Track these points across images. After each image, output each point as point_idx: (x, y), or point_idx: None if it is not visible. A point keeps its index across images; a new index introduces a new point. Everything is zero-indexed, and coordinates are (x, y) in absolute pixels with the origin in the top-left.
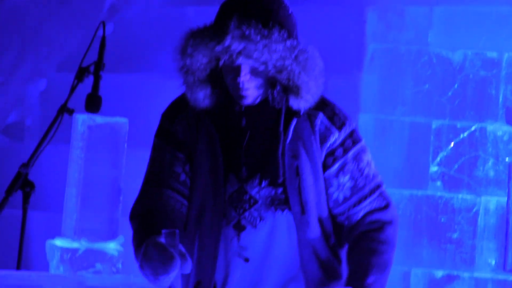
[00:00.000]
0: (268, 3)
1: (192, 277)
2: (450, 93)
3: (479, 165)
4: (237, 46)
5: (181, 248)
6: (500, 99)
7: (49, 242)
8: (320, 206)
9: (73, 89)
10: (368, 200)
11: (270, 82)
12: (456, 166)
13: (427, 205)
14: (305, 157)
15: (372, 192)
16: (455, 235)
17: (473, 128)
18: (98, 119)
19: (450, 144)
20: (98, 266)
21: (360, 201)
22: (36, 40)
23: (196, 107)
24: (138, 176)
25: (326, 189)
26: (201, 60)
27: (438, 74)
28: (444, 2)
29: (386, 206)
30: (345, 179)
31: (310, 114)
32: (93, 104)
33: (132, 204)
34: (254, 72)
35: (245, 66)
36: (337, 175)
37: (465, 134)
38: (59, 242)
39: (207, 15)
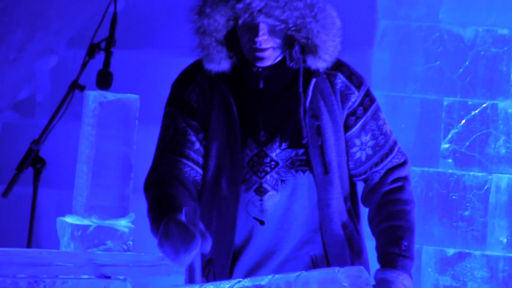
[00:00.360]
0: None
1: (212, 246)
2: (461, 70)
3: (491, 142)
4: (258, 3)
5: (201, 226)
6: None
7: (60, 219)
8: (341, 166)
9: (84, 65)
10: (389, 158)
11: (287, 43)
12: (467, 143)
13: (438, 183)
14: (326, 117)
15: (391, 149)
16: (466, 213)
17: (484, 105)
18: (109, 95)
19: (461, 121)
20: (109, 243)
21: (382, 159)
22: (47, 17)
23: (211, 71)
24: (149, 153)
25: (348, 149)
26: (219, 20)
27: (449, 51)
28: None
29: (404, 163)
30: (367, 138)
31: (329, 74)
32: (104, 80)
33: (146, 174)
34: (272, 31)
35: (263, 25)
36: (359, 134)
37: (477, 111)
38: (69, 219)
39: None
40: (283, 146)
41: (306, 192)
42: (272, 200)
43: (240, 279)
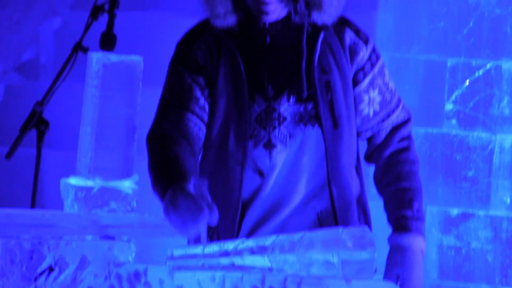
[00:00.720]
0: None
1: (219, 201)
2: (465, 31)
3: (494, 103)
4: None
5: (209, 199)
6: None
7: (64, 180)
8: (350, 121)
9: (87, 27)
10: (395, 114)
11: None
12: (471, 104)
13: (442, 143)
14: (335, 71)
15: (397, 105)
16: (470, 173)
17: (488, 66)
18: (113, 57)
19: (465, 82)
20: (113, 204)
21: (388, 115)
22: None
23: (217, 26)
24: (153, 115)
25: (355, 105)
26: None
27: (454, 12)
28: None
29: (409, 119)
30: (374, 93)
31: (337, 30)
32: (107, 42)
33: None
34: None
35: None
36: (367, 90)
37: (480, 72)
38: (73, 181)
39: None
40: (291, 100)
41: (314, 147)
42: (281, 154)
43: (244, 239)
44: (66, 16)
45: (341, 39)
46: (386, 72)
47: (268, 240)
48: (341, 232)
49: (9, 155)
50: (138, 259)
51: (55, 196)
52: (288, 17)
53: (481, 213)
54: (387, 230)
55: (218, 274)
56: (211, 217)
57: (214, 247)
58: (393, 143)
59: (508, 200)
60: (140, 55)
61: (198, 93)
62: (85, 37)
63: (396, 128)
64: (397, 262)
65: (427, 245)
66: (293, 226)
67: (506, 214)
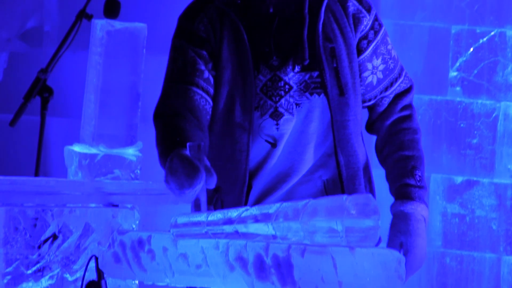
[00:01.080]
0: None
1: (226, 173)
2: None
3: (499, 70)
4: None
5: (207, 162)
6: None
7: (67, 148)
8: (356, 89)
9: None
10: (398, 82)
11: None
12: (475, 72)
13: (447, 111)
14: (340, 39)
15: (400, 73)
16: (474, 141)
17: (492, 33)
18: (117, 24)
19: (469, 49)
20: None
21: (392, 83)
22: None
23: None
24: (156, 82)
25: (360, 73)
26: None
27: None
28: None
29: (411, 88)
30: (378, 61)
31: None
32: (111, 9)
33: (155, 105)
34: None
35: None
36: (371, 58)
37: (485, 39)
38: (77, 148)
39: None
40: (296, 69)
41: (320, 115)
42: (288, 123)
43: (248, 207)
44: None
45: (344, 7)
46: (389, 40)
47: (272, 208)
48: (345, 199)
49: (13, 122)
50: (142, 227)
51: (59, 163)
52: None
53: (485, 180)
54: (390, 198)
55: (222, 242)
56: (209, 180)
57: (218, 215)
58: (395, 112)
59: None
60: (144, 22)
61: (202, 66)
62: (89, 5)
63: (398, 96)
64: (400, 230)
65: (431, 213)
66: (299, 195)
67: (510, 182)
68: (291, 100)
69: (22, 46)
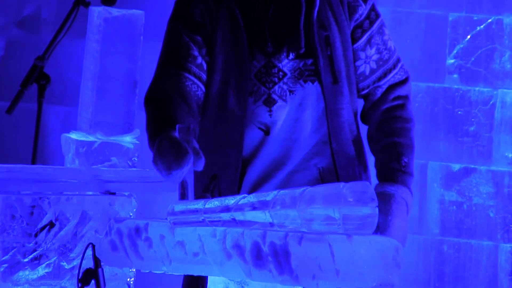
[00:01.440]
0: None
1: (219, 158)
2: None
3: (496, 58)
4: None
5: (195, 144)
6: None
7: (64, 135)
8: (350, 77)
9: None
10: (392, 73)
11: None
12: (472, 59)
13: (444, 98)
14: (334, 27)
15: (395, 65)
16: (472, 128)
17: (489, 21)
18: (114, 11)
19: (466, 36)
20: (114, 159)
21: (385, 74)
22: None
23: None
24: (154, 69)
25: (354, 62)
26: None
27: None
28: None
29: (406, 80)
30: (371, 51)
31: None
32: None
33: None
34: None
35: None
36: (364, 47)
37: (482, 26)
38: (74, 136)
39: None
40: (291, 56)
41: (315, 102)
42: (281, 110)
43: (245, 195)
44: None
45: None
46: (386, 31)
47: (269, 196)
48: (343, 187)
49: (10, 110)
50: (139, 215)
51: (56, 151)
52: None
53: (483, 168)
54: None
55: (219, 230)
56: (197, 162)
57: (215, 203)
58: (388, 101)
59: (510, 155)
60: (141, 9)
61: (195, 52)
62: None
63: (392, 87)
64: (379, 210)
65: (429, 201)
66: (296, 183)
67: (508, 169)
68: (285, 87)
69: (19, 33)
